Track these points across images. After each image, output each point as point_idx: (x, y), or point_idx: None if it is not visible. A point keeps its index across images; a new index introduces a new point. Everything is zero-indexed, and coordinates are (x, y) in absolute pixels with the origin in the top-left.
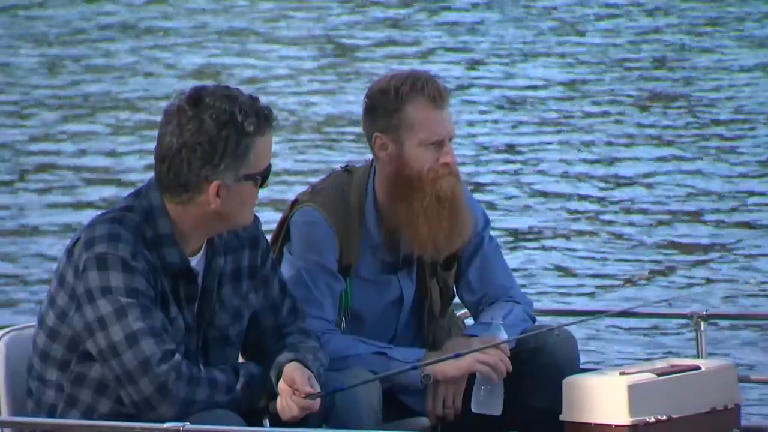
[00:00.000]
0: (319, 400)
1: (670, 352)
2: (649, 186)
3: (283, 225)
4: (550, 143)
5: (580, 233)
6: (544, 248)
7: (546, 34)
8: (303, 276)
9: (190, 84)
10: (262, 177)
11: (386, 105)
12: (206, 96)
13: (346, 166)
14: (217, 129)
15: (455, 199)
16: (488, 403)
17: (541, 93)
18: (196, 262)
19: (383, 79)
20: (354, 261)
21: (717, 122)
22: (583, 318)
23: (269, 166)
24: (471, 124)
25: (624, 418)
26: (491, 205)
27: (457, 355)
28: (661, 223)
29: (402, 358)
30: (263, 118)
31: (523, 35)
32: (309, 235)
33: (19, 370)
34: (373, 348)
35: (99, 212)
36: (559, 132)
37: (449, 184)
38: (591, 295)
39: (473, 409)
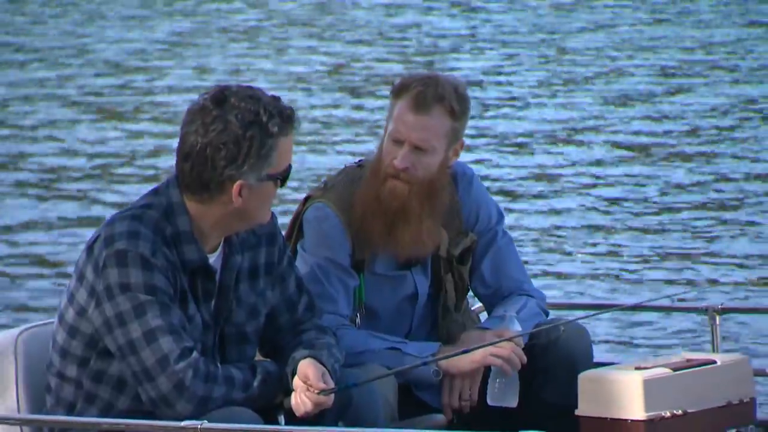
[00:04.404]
0: (332, 396)
1: (683, 345)
2: (662, 179)
3: (296, 221)
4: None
5: (591, 226)
6: (555, 242)
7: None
8: (316, 272)
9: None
10: (283, 177)
11: (392, 93)
12: (231, 96)
13: (360, 160)
14: (242, 129)
15: (395, 207)
16: (504, 395)
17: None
18: (214, 259)
19: (415, 73)
20: (367, 257)
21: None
22: (596, 312)
23: (290, 165)
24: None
25: (640, 413)
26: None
27: (466, 351)
28: (673, 211)
29: (416, 353)
30: (286, 118)
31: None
32: (321, 231)
33: (38, 366)
34: (386, 343)
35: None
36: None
37: (393, 191)
38: (605, 288)
39: (489, 402)
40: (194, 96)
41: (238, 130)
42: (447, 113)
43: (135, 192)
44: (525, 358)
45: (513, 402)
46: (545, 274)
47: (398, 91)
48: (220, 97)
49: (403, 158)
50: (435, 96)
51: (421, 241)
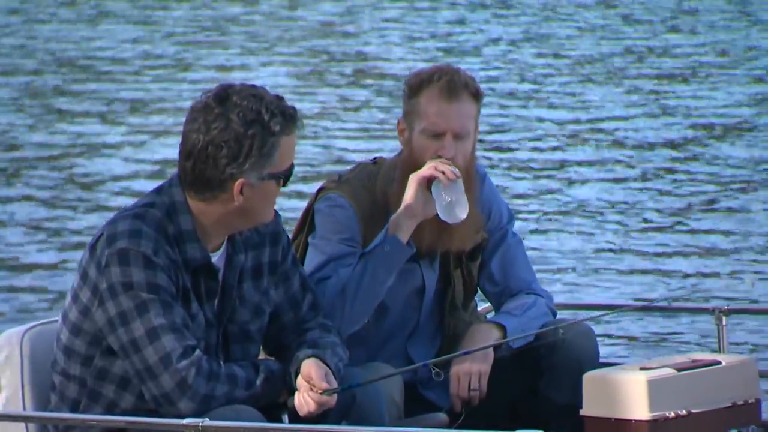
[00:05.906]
0: (335, 395)
1: (690, 346)
2: (672, 180)
3: (308, 213)
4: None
5: (600, 228)
6: (562, 240)
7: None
8: (327, 255)
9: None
10: (285, 176)
11: (409, 91)
12: (233, 94)
13: (376, 158)
14: (244, 128)
15: None
16: (452, 208)
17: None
18: (217, 258)
19: (424, 68)
20: None
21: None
22: (602, 313)
23: (292, 165)
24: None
25: (644, 413)
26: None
27: (467, 353)
28: (680, 211)
29: (377, 241)
30: (289, 117)
31: None
32: (333, 217)
33: (43, 364)
34: (351, 267)
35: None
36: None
37: None
38: (611, 289)
39: (442, 218)
40: None
41: (239, 129)
42: (472, 97)
43: None
44: (458, 171)
45: (463, 213)
46: (552, 272)
47: (418, 87)
48: (223, 95)
49: (449, 149)
50: (461, 82)
51: (473, 227)
